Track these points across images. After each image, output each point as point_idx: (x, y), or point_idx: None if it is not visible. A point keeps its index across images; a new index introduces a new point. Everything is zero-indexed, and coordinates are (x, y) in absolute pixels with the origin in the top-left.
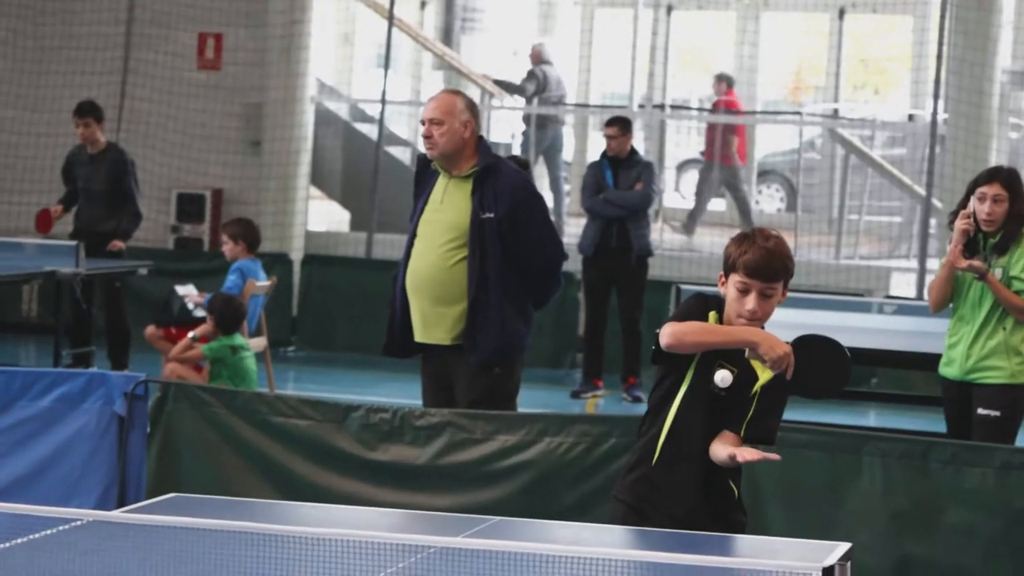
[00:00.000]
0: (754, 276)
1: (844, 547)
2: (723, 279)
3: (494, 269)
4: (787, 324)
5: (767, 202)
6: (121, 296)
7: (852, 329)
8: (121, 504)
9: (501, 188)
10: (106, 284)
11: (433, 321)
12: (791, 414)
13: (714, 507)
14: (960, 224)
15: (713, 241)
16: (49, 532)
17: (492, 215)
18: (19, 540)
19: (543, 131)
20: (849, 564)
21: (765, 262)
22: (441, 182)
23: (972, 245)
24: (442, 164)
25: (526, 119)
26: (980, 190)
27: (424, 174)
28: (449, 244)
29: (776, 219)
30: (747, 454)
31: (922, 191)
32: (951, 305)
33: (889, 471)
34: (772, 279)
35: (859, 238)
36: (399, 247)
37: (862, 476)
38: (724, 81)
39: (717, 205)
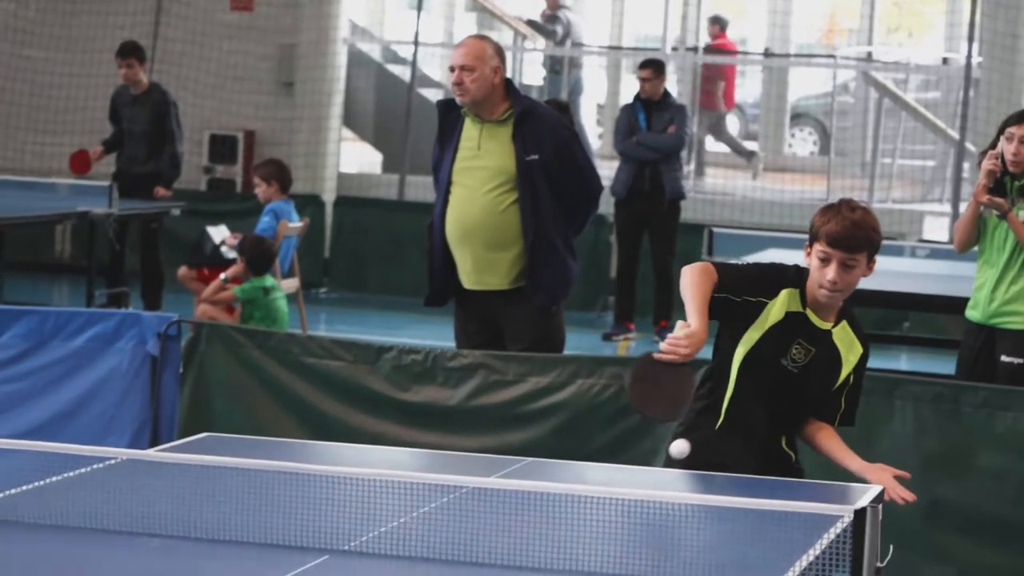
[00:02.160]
0: (835, 246)
1: (876, 490)
2: (808, 249)
3: (546, 209)
4: None
5: (800, 146)
6: (157, 237)
7: (885, 273)
8: (154, 444)
9: (542, 130)
10: (142, 225)
11: (487, 267)
12: None
13: (773, 473)
14: (987, 164)
15: (746, 185)
16: (84, 471)
17: (537, 157)
18: (54, 479)
19: (557, 76)
20: (880, 507)
21: (847, 232)
22: (473, 128)
23: (999, 187)
24: (473, 110)
25: (547, 63)
26: (1009, 130)
27: (448, 121)
28: (498, 189)
29: (809, 162)
30: (895, 493)
31: (955, 135)
32: (977, 248)
33: (920, 415)
34: (854, 250)
35: (892, 182)
36: (431, 189)
37: (893, 419)
38: (717, 24)
39: (749, 148)
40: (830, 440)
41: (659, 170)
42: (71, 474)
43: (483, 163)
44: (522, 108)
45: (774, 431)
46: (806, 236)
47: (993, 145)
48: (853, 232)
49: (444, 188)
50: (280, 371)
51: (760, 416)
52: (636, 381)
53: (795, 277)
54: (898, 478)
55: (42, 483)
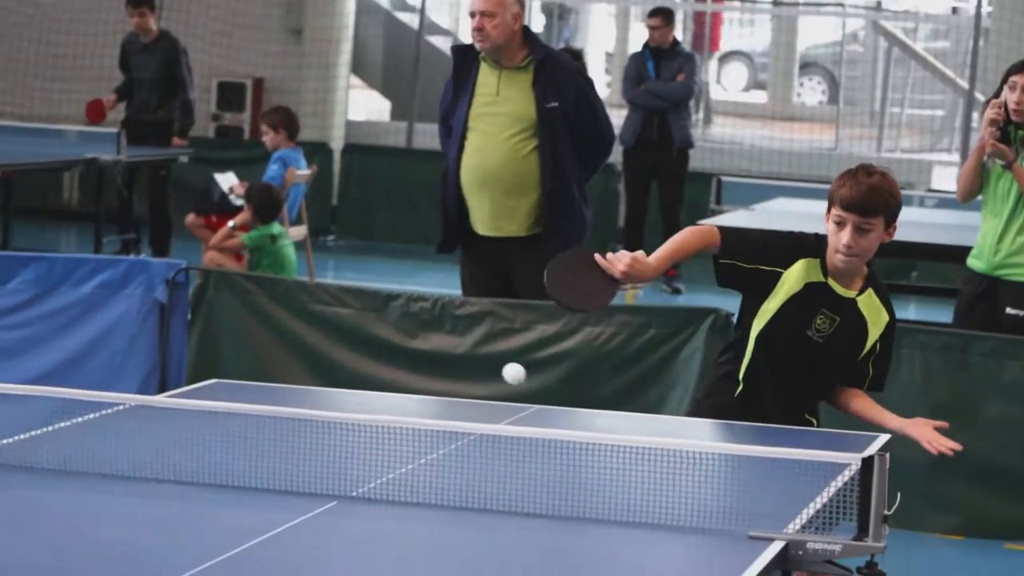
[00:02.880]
0: (849, 210)
1: (884, 438)
2: (827, 216)
3: (564, 157)
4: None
5: (809, 95)
6: (166, 185)
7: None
8: (162, 390)
9: (562, 77)
10: (151, 173)
11: (505, 214)
12: None
13: None
14: (989, 113)
15: (754, 133)
16: (93, 416)
17: (556, 104)
18: (64, 424)
19: (563, 21)
20: (888, 455)
21: (861, 196)
22: (491, 74)
23: (1003, 136)
24: (492, 56)
25: (546, 8)
26: (1012, 79)
27: (463, 66)
28: (518, 136)
29: (818, 112)
30: (939, 445)
31: (965, 84)
32: (980, 197)
33: (929, 364)
34: (869, 214)
35: (901, 131)
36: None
37: (901, 368)
38: None
39: (758, 97)
40: (863, 403)
41: (668, 118)
42: (80, 419)
43: (502, 109)
44: (543, 55)
45: (797, 399)
46: (813, 185)
47: (997, 94)
48: (868, 196)
49: (460, 134)
50: (288, 318)
51: (781, 385)
52: (560, 264)
53: (814, 247)
54: (940, 430)
55: (52, 428)
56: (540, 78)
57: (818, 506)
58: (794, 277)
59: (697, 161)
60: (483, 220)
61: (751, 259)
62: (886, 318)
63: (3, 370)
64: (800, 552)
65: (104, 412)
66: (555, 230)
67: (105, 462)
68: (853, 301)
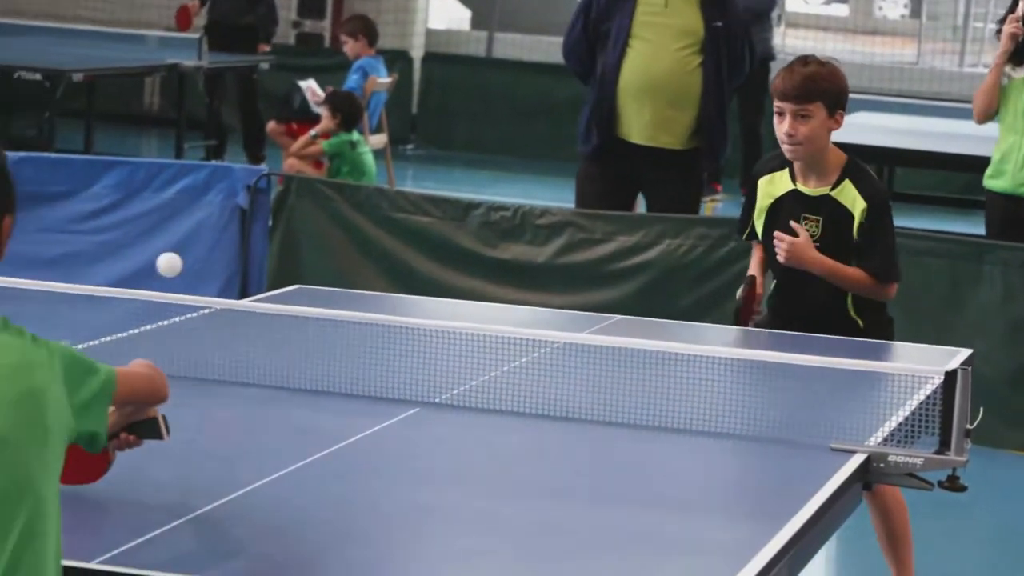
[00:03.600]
0: (784, 99)
1: (965, 353)
2: None
3: (722, 75)
4: (908, 131)
5: (891, 8)
6: (255, 90)
7: (973, 137)
8: (243, 296)
9: None
10: (241, 77)
11: (664, 125)
12: (911, 221)
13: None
14: (1008, 28)
15: (836, 47)
16: (177, 319)
17: (720, 24)
18: (148, 327)
19: None
20: (970, 370)
21: (794, 84)
22: None
23: (1021, 52)
24: None
25: None
26: None
27: None
28: (685, 49)
29: (900, 25)
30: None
31: None
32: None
33: (1009, 280)
34: (803, 100)
35: (984, 46)
36: (520, 47)
37: (982, 284)
38: None
39: (839, 11)
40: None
41: (749, 30)
42: (164, 323)
43: (670, 21)
44: None
45: (828, 304)
46: (895, 99)
47: (1012, 9)
48: (801, 84)
49: (623, 40)
50: (368, 225)
51: (807, 295)
52: None
53: (779, 162)
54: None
55: (137, 331)
56: None
57: (899, 419)
58: (761, 194)
59: None
60: (640, 128)
61: (748, 212)
62: (863, 205)
63: (84, 274)
64: (882, 465)
65: (188, 316)
66: (711, 148)
67: (190, 365)
68: (828, 196)
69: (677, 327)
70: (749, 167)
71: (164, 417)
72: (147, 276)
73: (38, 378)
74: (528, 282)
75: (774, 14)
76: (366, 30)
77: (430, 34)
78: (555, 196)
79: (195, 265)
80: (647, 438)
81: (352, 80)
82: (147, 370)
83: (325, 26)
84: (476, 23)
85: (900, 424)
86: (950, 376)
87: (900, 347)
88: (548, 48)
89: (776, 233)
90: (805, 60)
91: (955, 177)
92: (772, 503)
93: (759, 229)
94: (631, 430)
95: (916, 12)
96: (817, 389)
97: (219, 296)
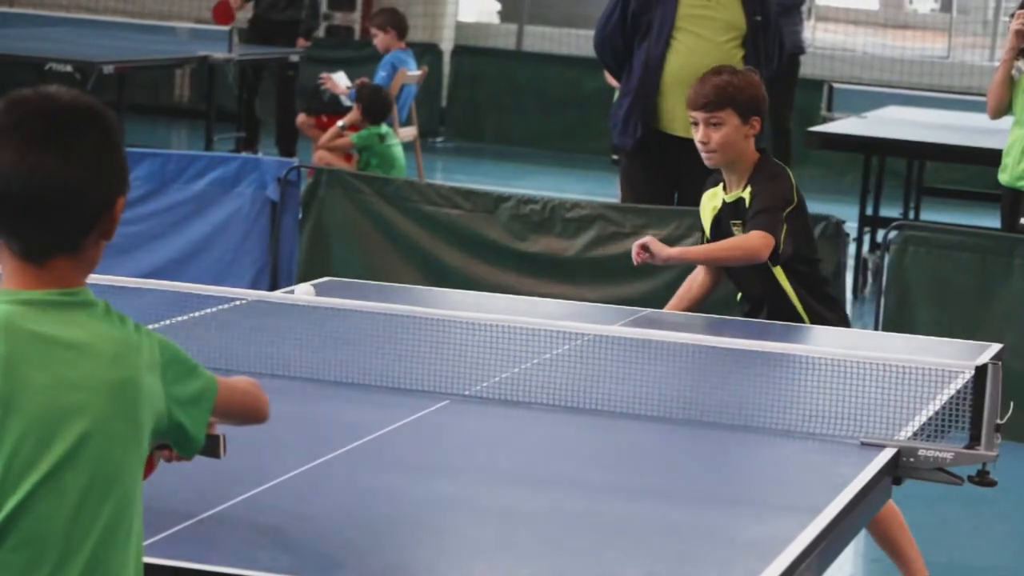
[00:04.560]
0: (693, 108)
1: (995, 347)
2: None
3: (760, 69)
4: (939, 125)
5: (921, 2)
6: (292, 85)
7: (1004, 132)
8: (273, 288)
9: None
10: (278, 72)
11: None
12: (942, 216)
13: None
14: (1015, 24)
15: (867, 41)
16: (209, 311)
17: (760, 19)
18: (180, 318)
19: None
20: (1000, 364)
21: (701, 93)
22: None
23: None
24: None
25: None
26: None
27: None
28: (730, 43)
29: (930, 19)
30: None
31: None
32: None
33: None
34: (713, 108)
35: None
36: (549, 40)
37: (1012, 279)
38: None
39: (870, 4)
40: None
41: (780, 25)
42: (197, 314)
43: (716, 14)
44: None
45: (769, 297)
46: (925, 94)
47: (1023, 4)
48: (709, 93)
49: (668, 33)
50: (398, 218)
51: (758, 293)
52: None
53: (715, 177)
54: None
55: (168, 322)
56: None
57: (929, 414)
58: (705, 214)
59: (808, 68)
60: (685, 121)
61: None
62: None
63: (115, 265)
64: (912, 459)
65: (220, 307)
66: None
67: (219, 356)
68: (741, 199)
69: (707, 320)
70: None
71: (224, 436)
72: (178, 267)
73: (136, 369)
74: (558, 275)
75: (804, 8)
76: (396, 23)
77: (460, 27)
78: (584, 189)
79: (225, 257)
80: (677, 431)
81: (380, 77)
82: (252, 388)
83: (355, 18)
84: (506, 16)
85: (930, 419)
86: (980, 370)
87: (930, 341)
88: (578, 41)
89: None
90: (718, 70)
91: (985, 172)
92: (802, 497)
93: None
94: (661, 423)
95: (947, 6)
96: (847, 383)
97: (249, 288)
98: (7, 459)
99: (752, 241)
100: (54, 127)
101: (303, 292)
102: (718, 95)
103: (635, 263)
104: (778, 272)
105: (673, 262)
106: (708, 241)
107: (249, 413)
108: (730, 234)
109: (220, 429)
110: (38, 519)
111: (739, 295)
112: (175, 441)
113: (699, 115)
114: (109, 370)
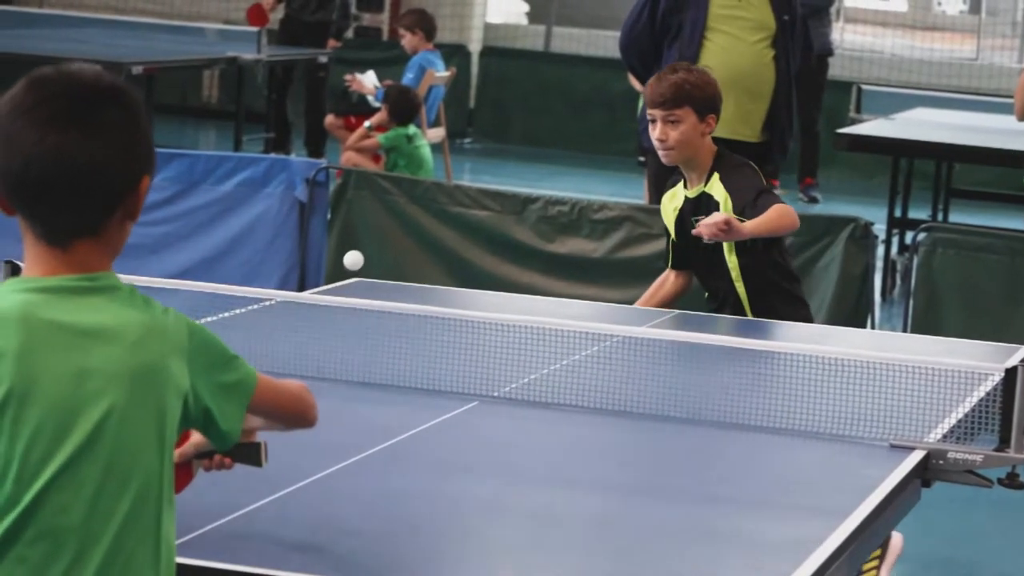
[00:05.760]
0: (652, 106)
1: None
2: None
3: (792, 68)
4: (968, 127)
5: (950, 4)
6: (322, 87)
7: None
8: (301, 288)
9: None
10: (308, 73)
11: (743, 117)
12: (970, 217)
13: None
14: None
15: (895, 43)
16: (238, 311)
17: (788, 18)
18: (209, 318)
19: None
20: None
21: (659, 90)
22: None
23: None
24: None
25: None
26: None
27: None
28: (762, 42)
29: (959, 21)
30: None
31: None
32: None
33: None
34: (671, 106)
35: None
36: (577, 41)
37: None
38: None
39: (898, 5)
40: None
41: (807, 24)
42: (226, 314)
43: (747, 14)
44: None
45: (754, 297)
46: (954, 95)
47: None
48: (666, 91)
49: (700, 34)
50: (426, 219)
51: (723, 288)
52: None
53: (674, 178)
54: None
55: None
56: None
57: (959, 416)
58: (667, 213)
59: (836, 69)
60: (722, 121)
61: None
62: (725, 195)
63: (143, 266)
64: (941, 462)
65: (250, 308)
66: (781, 142)
67: (249, 357)
68: (703, 193)
69: (735, 322)
70: (807, 164)
71: (265, 444)
72: (206, 268)
73: (159, 353)
74: (586, 277)
75: (832, 9)
76: (424, 24)
77: (488, 28)
78: (612, 190)
79: (254, 258)
80: (705, 433)
81: (407, 79)
82: (300, 391)
83: (383, 19)
84: (534, 17)
85: (959, 421)
86: (1010, 373)
87: (959, 343)
88: (605, 42)
89: (694, 232)
90: (675, 68)
91: (1014, 173)
92: (832, 499)
93: (675, 241)
94: (690, 425)
95: (975, 8)
96: (876, 385)
97: (277, 289)
98: (24, 452)
99: (784, 208)
100: (76, 106)
101: (351, 260)
102: (676, 93)
103: (706, 240)
104: (732, 267)
105: (746, 236)
106: (675, 243)
107: (293, 416)
108: (693, 229)
109: (263, 436)
110: (55, 511)
111: (706, 294)
112: (205, 431)
113: (657, 113)
114: (131, 355)
